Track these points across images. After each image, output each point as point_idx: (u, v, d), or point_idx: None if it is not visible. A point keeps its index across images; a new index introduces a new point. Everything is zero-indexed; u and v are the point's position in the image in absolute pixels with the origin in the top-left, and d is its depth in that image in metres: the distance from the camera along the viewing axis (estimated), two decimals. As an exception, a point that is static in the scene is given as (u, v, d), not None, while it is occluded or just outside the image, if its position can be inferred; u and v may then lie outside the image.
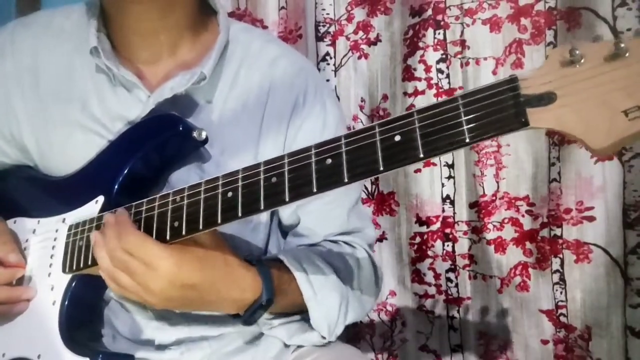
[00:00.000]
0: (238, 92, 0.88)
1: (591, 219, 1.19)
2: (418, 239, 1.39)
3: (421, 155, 0.55)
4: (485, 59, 1.29)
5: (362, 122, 1.46)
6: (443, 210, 1.36)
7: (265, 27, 1.56)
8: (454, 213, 1.35)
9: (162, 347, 0.86)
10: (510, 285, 1.28)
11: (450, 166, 1.35)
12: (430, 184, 1.36)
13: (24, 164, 0.93)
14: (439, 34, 1.33)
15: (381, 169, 0.57)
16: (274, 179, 0.64)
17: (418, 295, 1.41)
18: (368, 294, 0.91)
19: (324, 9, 1.47)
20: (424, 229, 1.38)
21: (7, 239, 0.86)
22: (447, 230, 1.36)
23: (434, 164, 1.36)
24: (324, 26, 1.47)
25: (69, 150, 0.86)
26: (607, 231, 1.17)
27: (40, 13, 0.95)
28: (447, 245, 1.36)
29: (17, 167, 0.93)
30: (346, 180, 0.59)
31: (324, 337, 0.84)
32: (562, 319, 1.22)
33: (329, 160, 0.60)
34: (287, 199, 0.62)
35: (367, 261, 0.92)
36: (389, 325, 1.46)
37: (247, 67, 0.89)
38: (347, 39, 1.46)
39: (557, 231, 1.23)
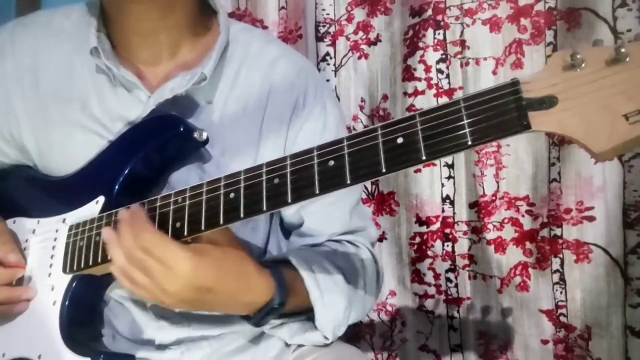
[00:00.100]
0: (238, 93, 0.88)
1: (591, 219, 1.19)
2: (418, 239, 1.39)
3: (423, 158, 0.55)
4: (485, 59, 1.29)
5: (362, 122, 1.46)
6: (443, 211, 1.36)
7: (265, 27, 1.56)
8: (454, 213, 1.35)
9: (162, 347, 0.86)
10: (510, 285, 1.28)
11: (450, 166, 1.35)
12: (430, 184, 1.36)
13: (24, 163, 0.92)
14: (439, 34, 1.33)
15: (383, 171, 0.57)
16: (276, 180, 0.64)
17: (418, 295, 1.41)
18: (370, 294, 0.91)
19: (324, 9, 1.46)
20: (423, 229, 1.38)
21: (6, 238, 0.85)
22: (447, 230, 1.36)
23: (434, 164, 1.36)
24: (324, 26, 1.47)
25: (69, 151, 0.86)
26: (607, 231, 1.17)
27: (40, 13, 0.95)
28: (447, 245, 1.36)
29: (17, 167, 0.93)
30: (349, 182, 0.59)
31: (326, 338, 0.84)
32: (562, 318, 1.23)
33: (332, 162, 0.60)
34: (289, 200, 0.63)
35: (370, 262, 0.92)
36: (389, 325, 1.46)
37: (247, 67, 0.89)
38: (347, 39, 1.46)
39: (557, 231, 1.23)
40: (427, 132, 0.56)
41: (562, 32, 1.21)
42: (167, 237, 0.68)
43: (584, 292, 1.20)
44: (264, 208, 0.64)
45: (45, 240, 0.84)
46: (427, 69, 1.35)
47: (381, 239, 1.44)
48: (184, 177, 0.83)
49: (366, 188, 1.46)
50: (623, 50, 0.46)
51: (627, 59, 0.47)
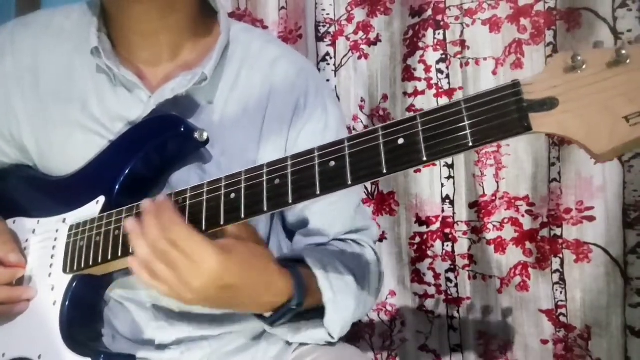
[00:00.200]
0: (239, 93, 0.88)
1: (591, 219, 1.19)
2: (418, 239, 1.39)
3: (424, 159, 0.56)
4: (485, 59, 1.29)
5: (362, 122, 1.46)
6: (443, 210, 1.36)
7: (265, 28, 1.56)
8: (454, 213, 1.35)
9: (162, 347, 0.86)
10: (510, 285, 1.28)
11: (450, 166, 1.35)
12: (430, 184, 1.36)
13: (24, 163, 0.92)
14: (438, 34, 1.33)
15: (384, 171, 0.57)
16: (277, 181, 0.64)
17: (418, 295, 1.41)
18: (373, 295, 0.92)
19: (324, 9, 1.46)
20: (423, 229, 1.38)
21: (7, 238, 0.85)
22: (447, 230, 1.36)
23: (434, 164, 1.35)
24: (324, 26, 1.47)
25: (69, 151, 0.86)
26: (607, 231, 1.17)
27: (40, 13, 0.95)
28: (447, 245, 1.36)
29: (17, 166, 0.93)
30: (350, 182, 0.59)
31: (332, 337, 0.83)
32: (562, 318, 1.23)
33: (333, 163, 0.60)
34: (290, 201, 0.63)
35: (375, 263, 0.92)
36: (389, 325, 1.46)
37: (248, 67, 0.89)
38: (347, 39, 1.46)
39: (557, 231, 1.23)
40: (428, 133, 0.56)
41: (562, 32, 1.21)
42: (195, 231, 0.65)
43: (584, 292, 1.20)
44: (265, 208, 0.64)
45: (45, 240, 0.84)
46: (427, 69, 1.35)
47: (381, 239, 1.44)
48: (185, 178, 0.83)
49: (366, 188, 1.46)
50: (624, 52, 0.47)
51: (628, 61, 0.47)
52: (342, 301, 0.81)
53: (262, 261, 0.72)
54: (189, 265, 0.64)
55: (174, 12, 0.84)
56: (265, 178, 0.65)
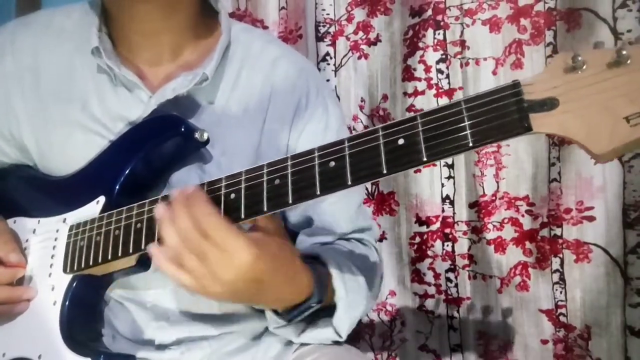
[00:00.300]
0: (240, 93, 0.88)
1: (591, 218, 1.19)
2: (418, 239, 1.39)
3: (424, 159, 0.56)
4: (485, 59, 1.29)
5: (362, 122, 1.46)
6: (443, 210, 1.36)
7: (265, 28, 1.56)
8: (454, 213, 1.35)
9: (162, 347, 0.86)
10: (510, 285, 1.28)
11: (450, 166, 1.35)
12: (430, 184, 1.37)
13: (24, 163, 0.92)
14: (438, 34, 1.33)
15: (384, 172, 0.57)
16: (277, 181, 0.64)
17: (418, 295, 1.41)
18: (376, 295, 0.92)
19: (324, 9, 1.46)
20: (423, 228, 1.38)
21: (7, 238, 0.85)
22: (447, 230, 1.36)
23: (434, 164, 1.36)
24: (324, 26, 1.47)
25: (69, 151, 0.86)
26: (607, 231, 1.17)
27: (40, 12, 0.95)
28: (447, 245, 1.36)
29: (17, 166, 0.93)
30: (349, 183, 0.59)
31: (340, 336, 0.82)
32: (562, 318, 1.23)
33: (332, 163, 0.60)
34: (290, 201, 0.63)
35: (378, 264, 0.92)
36: (389, 325, 1.46)
37: (249, 68, 0.89)
38: (347, 39, 1.46)
39: (557, 231, 1.23)
40: (428, 133, 0.56)
41: (561, 32, 1.21)
42: (229, 223, 0.63)
43: (584, 292, 1.20)
44: (265, 209, 0.64)
45: (45, 240, 0.84)
46: (427, 69, 1.35)
47: (381, 239, 1.44)
48: (185, 178, 0.83)
49: (366, 188, 1.46)
50: (624, 52, 0.47)
51: (629, 62, 0.47)
52: (353, 300, 0.80)
53: (289, 256, 0.71)
54: (221, 258, 0.62)
55: (176, 12, 0.84)
56: (265, 178, 0.65)
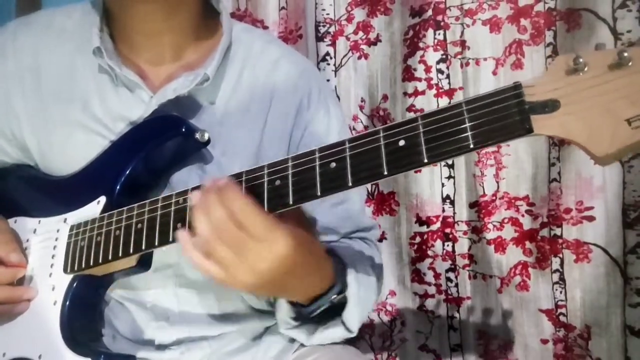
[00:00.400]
0: (241, 94, 0.88)
1: (591, 218, 1.19)
2: (418, 239, 1.39)
3: (425, 160, 0.56)
4: (485, 59, 1.29)
5: (362, 122, 1.46)
6: (443, 210, 1.36)
7: (265, 28, 1.56)
8: (454, 213, 1.35)
9: (162, 347, 0.86)
10: (510, 285, 1.28)
11: (450, 166, 1.35)
12: (430, 183, 1.37)
13: (25, 163, 0.92)
14: (439, 34, 1.33)
15: (385, 173, 0.57)
16: (277, 182, 0.64)
17: (418, 295, 1.41)
18: (378, 295, 0.92)
19: (324, 9, 1.46)
20: (424, 228, 1.38)
21: (8, 238, 0.85)
22: (447, 230, 1.36)
23: (434, 164, 1.36)
24: (324, 26, 1.47)
25: (70, 150, 0.86)
26: (607, 231, 1.17)
27: (41, 12, 0.95)
28: (447, 245, 1.36)
29: (18, 166, 0.93)
30: (350, 184, 0.59)
31: (351, 332, 0.81)
32: (562, 318, 1.23)
33: (333, 164, 0.61)
34: (290, 202, 0.63)
35: (381, 264, 0.92)
36: (389, 325, 1.46)
37: (250, 68, 0.89)
38: (347, 39, 1.46)
39: (557, 231, 1.23)
40: (429, 134, 0.56)
41: (561, 32, 1.21)
42: (266, 213, 0.62)
43: (584, 292, 1.20)
44: (265, 209, 0.64)
45: (46, 240, 0.84)
46: (427, 69, 1.35)
47: (381, 239, 1.44)
48: (185, 178, 0.83)
49: (366, 188, 1.46)
50: (626, 54, 0.47)
51: (630, 63, 0.47)
52: (364, 296, 0.80)
53: (317, 248, 0.72)
54: (258, 248, 0.61)
55: (177, 12, 0.84)
56: (266, 179, 0.65)
